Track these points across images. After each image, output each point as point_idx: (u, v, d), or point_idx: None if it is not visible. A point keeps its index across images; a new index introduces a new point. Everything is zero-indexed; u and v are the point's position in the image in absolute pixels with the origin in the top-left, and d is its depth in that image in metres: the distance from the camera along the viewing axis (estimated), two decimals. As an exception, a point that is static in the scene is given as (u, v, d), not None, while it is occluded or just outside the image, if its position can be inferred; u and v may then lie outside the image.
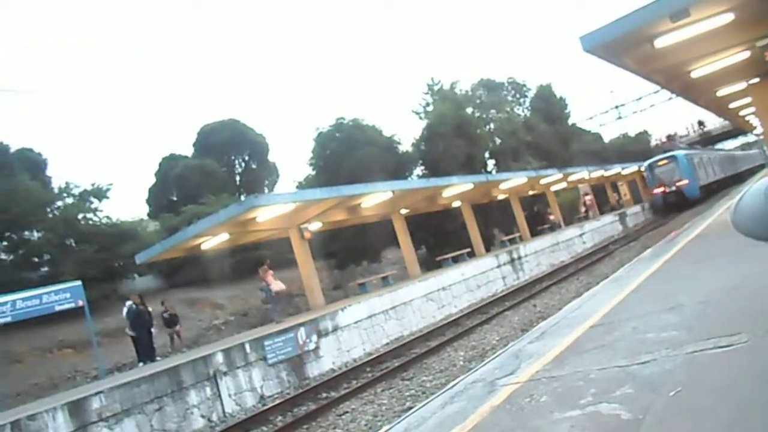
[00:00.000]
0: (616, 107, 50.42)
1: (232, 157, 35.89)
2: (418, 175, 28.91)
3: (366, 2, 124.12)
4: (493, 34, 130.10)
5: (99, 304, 17.74)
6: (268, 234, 17.18)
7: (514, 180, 21.90)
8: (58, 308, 12.13)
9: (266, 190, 35.80)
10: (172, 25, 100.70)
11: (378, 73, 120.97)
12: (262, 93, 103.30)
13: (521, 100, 40.82)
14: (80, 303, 12.34)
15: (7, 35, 70.94)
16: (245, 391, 9.80)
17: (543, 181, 25.73)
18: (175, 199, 31.28)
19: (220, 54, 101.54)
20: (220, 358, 9.64)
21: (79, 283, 12.63)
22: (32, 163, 25.88)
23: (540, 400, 3.40)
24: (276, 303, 13.87)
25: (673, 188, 30.02)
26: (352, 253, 25.98)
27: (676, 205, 29.49)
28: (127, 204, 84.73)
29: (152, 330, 13.87)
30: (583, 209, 32.67)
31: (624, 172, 35.16)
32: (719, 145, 59.62)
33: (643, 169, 34.50)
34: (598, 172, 30.52)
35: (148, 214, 32.31)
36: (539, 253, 21.31)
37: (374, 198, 16.19)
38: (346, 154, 24.99)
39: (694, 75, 11.66)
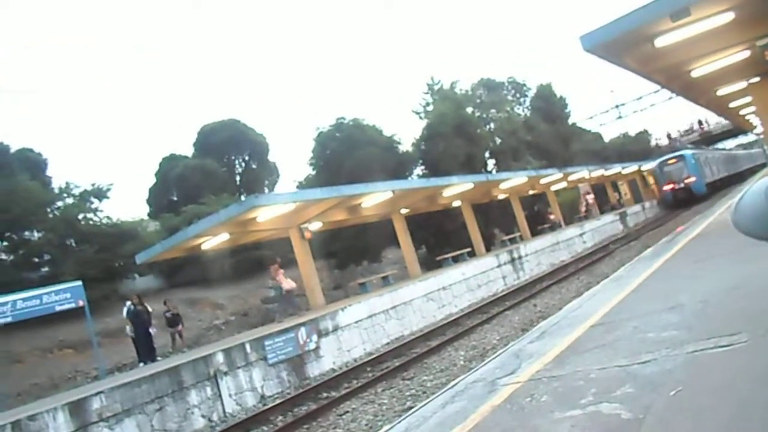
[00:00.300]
0: (617, 107, 50.46)
1: (233, 157, 35.88)
2: (418, 175, 28.89)
3: (366, 2, 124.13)
4: (493, 34, 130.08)
5: (99, 304, 17.74)
6: (269, 234, 17.17)
7: (515, 180, 21.89)
8: (58, 308, 12.13)
9: (266, 190, 35.79)
10: (172, 25, 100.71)
11: (378, 73, 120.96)
12: (262, 93, 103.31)
13: (521, 99, 40.79)
14: (80, 303, 12.34)
15: (7, 35, 70.97)
16: (246, 391, 9.80)
17: (543, 181, 25.72)
18: (175, 199, 31.27)
19: (220, 54, 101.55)
20: (220, 358, 9.64)
21: (79, 283, 12.64)
22: (32, 163, 25.87)
23: (541, 399, 3.40)
24: (286, 301, 14.06)
25: (682, 185, 32.06)
26: (353, 253, 25.97)
27: (684, 201, 31.32)
28: (127, 204, 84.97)
29: (151, 330, 13.85)
30: (583, 209, 32.70)
31: (624, 172, 35.16)
32: (719, 145, 59.65)
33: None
34: (599, 172, 30.54)
35: (149, 214, 32.31)
36: (539, 253, 21.31)
37: (374, 198, 16.19)
38: (347, 154, 24.98)
39: (694, 74, 11.66)
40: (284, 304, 13.98)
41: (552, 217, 28.17)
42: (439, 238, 26.25)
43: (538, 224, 28.07)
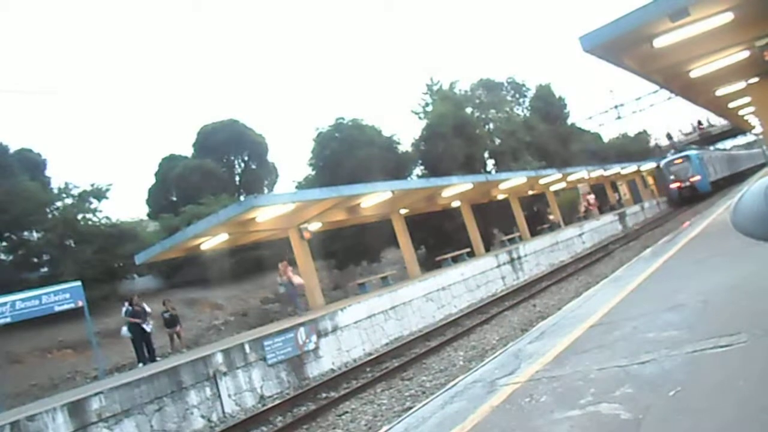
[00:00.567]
0: (616, 107, 50.48)
1: (232, 158, 35.85)
2: (417, 175, 28.88)
3: (366, 3, 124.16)
4: (493, 34, 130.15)
5: (99, 304, 17.72)
6: (268, 234, 17.17)
7: (514, 180, 21.90)
8: (57, 309, 12.12)
9: (266, 191, 35.77)
10: (172, 25, 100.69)
11: (378, 74, 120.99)
12: (262, 93, 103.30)
13: (521, 99, 40.74)
14: (80, 303, 12.34)
15: (7, 35, 70.91)
16: (245, 391, 9.80)
17: (542, 181, 25.72)
18: (174, 199, 31.24)
19: (220, 54, 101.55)
20: (219, 358, 9.64)
21: (78, 283, 12.62)
22: (32, 164, 25.83)
23: (540, 400, 3.40)
24: (296, 296, 14.28)
25: (687, 183, 34.00)
26: (352, 253, 25.96)
27: (689, 199, 33.30)
28: (126, 204, 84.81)
29: (146, 327, 13.72)
30: (582, 209, 32.75)
31: (623, 172, 35.21)
32: (718, 145, 59.72)
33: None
34: (598, 172, 30.57)
35: (148, 215, 32.27)
36: (539, 253, 21.32)
37: (374, 198, 16.18)
38: (346, 154, 24.95)
39: (693, 75, 11.66)
40: (295, 299, 14.27)
41: (551, 217, 28.17)
42: (439, 238, 26.24)
43: (538, 224, 28.07)
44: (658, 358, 3.47)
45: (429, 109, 31.25)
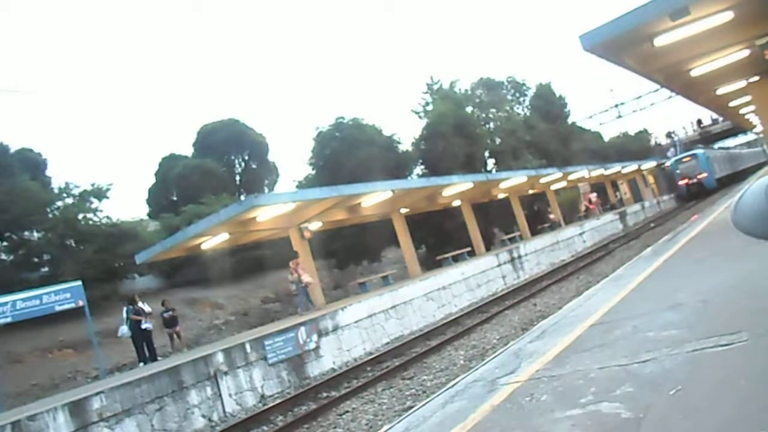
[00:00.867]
0: (616, 106, 50.33)
1: (232, 157, 35.85)
2: (418, 175, 28.88)
3: (366, 3, 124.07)
4: (493, 34, 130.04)
5: (99, 304, 17.72)
6: (268, 234, 17.17)
7: (514, 179, 21.89)
8: (58, 308, 12.14)
9: (266, 190, 35.77)
10: (172, 25, 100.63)
11: (378, 73, 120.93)
12: (262, 93, 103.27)
13: (521, 99, 40.66)
14: (80, 303, 12.34)
15: (7, 35, 70.89)
16: (246, 390, 9.81)
17: (543, 180, 25.71)
18: (175, 199, 31.24)
19: (220, 54, 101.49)
20: (220, 357, 9.64)
21: (79, 283, 12.64)
22: (32, 163, 25.85)
23: (540, 399, 3.40)
24: (304, 294, 14.36)
25: (695, 180, 36.21)
26: (352, 253, 25.97)
27: (697, 194, 35.69)
28: (127, 204, 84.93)
29: (144, 326, 13.70)
30: (583, 208, 32.74)
31: (624, 171, 35.22)
32: (717, 144, 59.75)
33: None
34: (598, 171, 30.55)
35: (148, 214, 32.28)
36: (539, 252, 21.31)
37: (374, 197, 16.18)
38: (346, 154, 24.96)
39: (693, 73, 11.66)
40: (304, 297, 14.36)
41: (552, 216, 28.16)
42: (439, 237, 26.24)
43: (538, 224, 28.06)
44: (658, 357, 3.47)
45: (429, 108, 31.23)
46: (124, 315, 13.82)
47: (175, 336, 15.83)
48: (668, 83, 13.07)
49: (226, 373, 9.59)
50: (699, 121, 58.77)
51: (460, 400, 3.98)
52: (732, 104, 19.11)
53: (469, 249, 21.43)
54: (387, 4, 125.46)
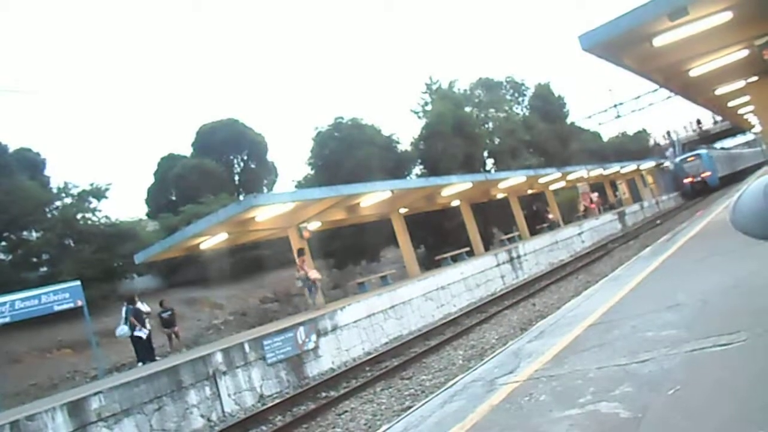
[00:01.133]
0: (615, 106, 50.27)
1: (231, 157, 35.85)
2: (417, 174, 28.88)
3: (366, 3, 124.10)
4: (493, 34, 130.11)
5: (98, 304, 17.71)
6: (267, 233, 17.16)
7: (513, 179, 21.89)
8: (57, 308, 12.12)
9: (265, 190, 35.75)
10: (172, 25, 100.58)
11: (377, 73, 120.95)
12: (261, 93, 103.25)
13: (520, 99, 40.66)
14: (79, 303, 12.33)
15: (7, 35, 70.82)
16: (244, 390, 9.80)
17: (542, 180, 25.72)
18: (174, 198, 31.23)
19: (220, 54, 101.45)
20: (219, 357, 9.63)
21: (78, 283, 12.62)
22: (31, 163, 25.81)
23: (539, 398, 3.40)
24: (312, 290, 14.43)
25: (699, 179, 38.44)
26: (351, 253, 25.97)
27: (700, 192, 37.87)
28: (126, 204, 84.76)
29: (144, 331, 13.72)
30: (582, 208, 32.75)
31: (623, 171, 35.24)
32: (718, 144, 59.88)
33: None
34: (597, 171, 30.56)
35: (147, 214, 32.27)
36: (538, 252, 21.31)
37: (373, 197, 16.18)
38: (345, 154, 24.95)
39: (692, 73, 11.67)
40: (314, 293, 14.42)
41: (550, 216, 28.16)
42: (438, 237, 26.24)
43: (537, 223, 28.06)
44: (657, 356, 3.47)
45: (428, 108, 31.22)
46: (123, 315, 13.82)
47: (173, 336, 15.82)
48: (667, 83, 13.08)
49: (224, 373, 9.59)
50: (699, 121, 58.83)
51: (458, 399, 3.98)
52: (731, 104, 19.13)
53: (467, 249, 21.43)
54: (387, 4, 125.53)
